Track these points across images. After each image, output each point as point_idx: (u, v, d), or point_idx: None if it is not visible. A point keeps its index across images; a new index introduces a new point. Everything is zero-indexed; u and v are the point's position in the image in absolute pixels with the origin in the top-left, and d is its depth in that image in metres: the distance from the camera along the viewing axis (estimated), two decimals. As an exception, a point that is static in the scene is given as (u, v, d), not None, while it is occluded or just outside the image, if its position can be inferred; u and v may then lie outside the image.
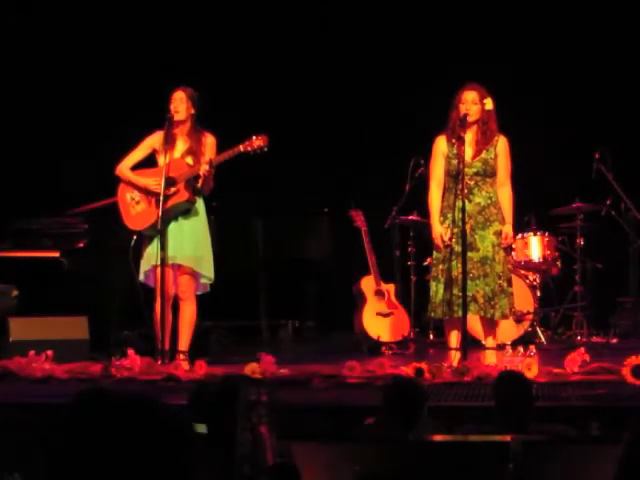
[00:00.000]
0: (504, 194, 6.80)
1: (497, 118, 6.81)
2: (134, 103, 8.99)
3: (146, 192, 6.97)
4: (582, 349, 6.30)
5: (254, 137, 6.86)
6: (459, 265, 6.60)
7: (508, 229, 6.79)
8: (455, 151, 6.71)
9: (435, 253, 6.85)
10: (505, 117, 6.91)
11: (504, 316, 6.86)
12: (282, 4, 9.75)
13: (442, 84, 7.00)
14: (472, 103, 6.70)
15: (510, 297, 6.83)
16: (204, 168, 6.78)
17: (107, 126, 9.05)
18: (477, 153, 6.77)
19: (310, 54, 9.66)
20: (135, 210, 7.01)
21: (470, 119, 6.69)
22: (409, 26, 9.63)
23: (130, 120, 8.11)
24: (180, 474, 1.85)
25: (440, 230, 6.75)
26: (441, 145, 6.81)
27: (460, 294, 6.57)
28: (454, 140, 6.71)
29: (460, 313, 6.57)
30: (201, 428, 3.18)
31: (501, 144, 6.82)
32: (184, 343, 6.96)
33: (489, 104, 6.71)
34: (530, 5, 9.51)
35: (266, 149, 6.85)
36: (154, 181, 6.91)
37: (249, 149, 6.84)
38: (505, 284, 6.80)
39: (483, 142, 6.76)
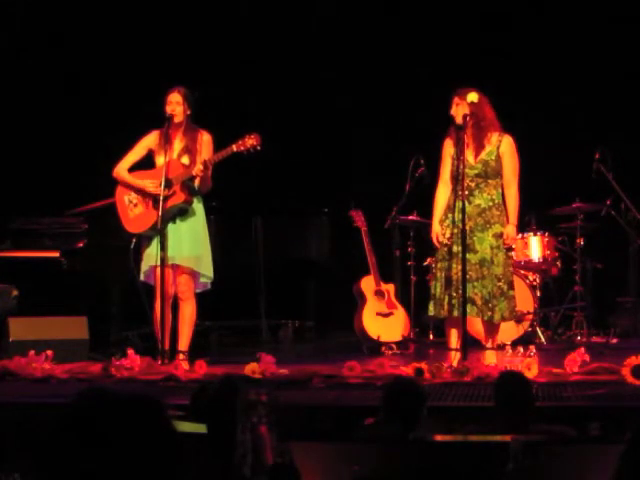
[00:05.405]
0: (509, 195, 6.82)
1: (496, 116, 6.83)
2: (133, 103, 8.98)
3: (143, 194, 6.96)
4: (582, 349, 6.30)
5: (247, 137, 6.84)
6: (457, 266, 6.62)
7: (510, 229, 6.79)
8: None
9: (435, 253, 6.89)
10: (505, 117, 6.92)
11: (504, 319, 6.87)
12: (282, 3, 9.75)
13: (443, 83, 7.01)
14: (457, 105, 6.76)
15: (511, 300, 6.83)
16: (198, 168, 6.77)
17: (106, 126, 9.04)
18: (477, 151, 6.79)
19: (311, 54, 9.65)
20: (133, 213, 7.01)
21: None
22: (409, 26, 9.62)
23: (130, 120, 8.10)
24: (178, 472, 1.85)
25: (437, 229, 6.80)
26: (448, 147, 6.90)
27: (457, 294, 6.59)
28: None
29: (457, 313, 6.59)
30: (201, 428, 3.18)
31: (505, 144, 6.82)
32: (184, 343, 6.96)
33: (472, 97, 6.72)
34: (530, 5, 9.50)
35: (259, 148, 6.82)
36: (151, 182, 6.90)
37: (242, 149, 6.82)
38: (505, 287, 6.80)
39: (478, 135, 6.78)
